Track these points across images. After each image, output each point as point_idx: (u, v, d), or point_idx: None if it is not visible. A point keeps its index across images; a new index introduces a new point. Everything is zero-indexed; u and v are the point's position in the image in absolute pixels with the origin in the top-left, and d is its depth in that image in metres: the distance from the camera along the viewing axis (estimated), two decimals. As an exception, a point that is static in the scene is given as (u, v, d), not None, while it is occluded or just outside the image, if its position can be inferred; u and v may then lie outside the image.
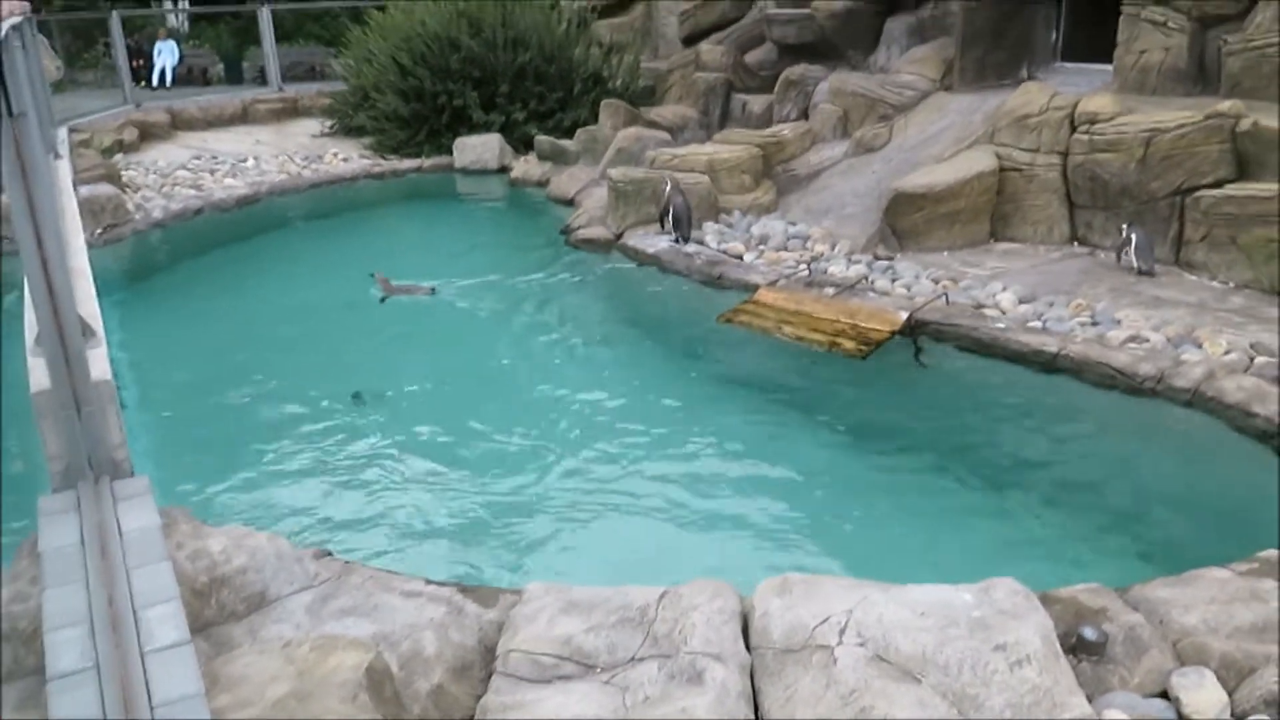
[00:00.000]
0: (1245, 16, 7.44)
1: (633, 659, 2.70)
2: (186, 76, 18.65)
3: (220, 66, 19.62)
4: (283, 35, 19.92)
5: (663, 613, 2.84)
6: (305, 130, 14.47)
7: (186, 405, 5.94)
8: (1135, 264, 6.90)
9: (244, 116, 14.93)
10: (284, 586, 3.07)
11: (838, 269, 7.19)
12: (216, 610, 2.90)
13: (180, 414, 5.83)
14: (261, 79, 17.18)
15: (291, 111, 15.39)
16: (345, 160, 12.72)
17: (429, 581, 3.20)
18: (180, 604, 2.44)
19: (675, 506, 4.66)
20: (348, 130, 13.86)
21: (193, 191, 10.79)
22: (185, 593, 2.67)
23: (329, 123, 14.35)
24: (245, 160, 12.44)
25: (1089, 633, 2.79)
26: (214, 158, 12.53)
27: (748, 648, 2.74)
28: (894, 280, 6.88)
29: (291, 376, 6.33)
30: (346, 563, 3.29)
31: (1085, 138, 7.40)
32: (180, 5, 23.55)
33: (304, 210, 11.12)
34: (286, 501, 4.76)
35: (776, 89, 11.14)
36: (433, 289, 7.79)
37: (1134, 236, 6.92)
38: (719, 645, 2.69)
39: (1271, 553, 3.37)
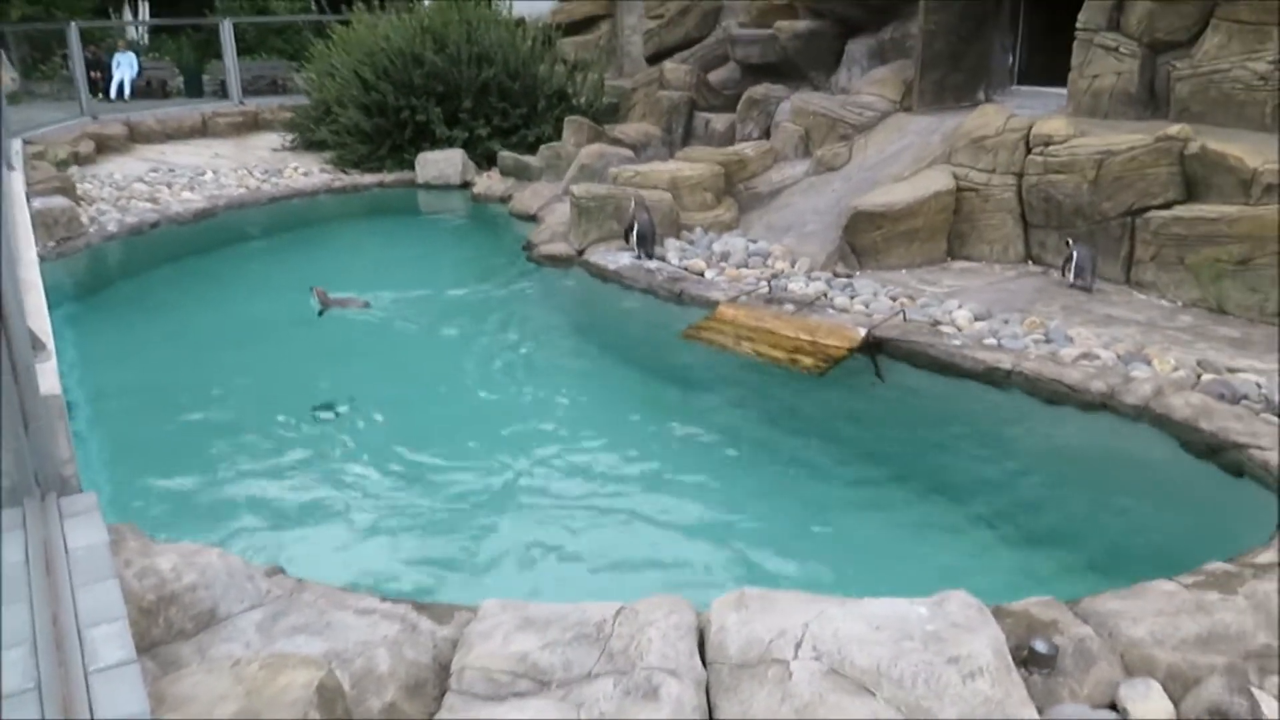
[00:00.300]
0: (1193, 43, 7.64)
1: (588, 675, 2.68)
2: (145, 89, 18.43)
3: (180, 79, 19.43)
4: (244, 49, 19.80)
5: (619, 629, 2.83)
6: (266, 144, 14.35)
7: (139, 420, 5.84)
8: (1074, 280, 7.11)
9: (203, 130, 14.78)
10: (234, 604, 3.02)
11: (798, 286, 7.24)
12: (164, 629, 2.84)
13: (132, 429, 5.73)
14: (222, 92, 17.04)
15: (252, 125, 15.26)
16: (306, 174, 12.62)
17: (383, 598, 3.17)
18: (126, 623, 2.40)
19: (634, 521, 4.65)
20: (309, 144, 13.76)
21: (149, 205, 10.63)
22: (132, 611, 2.62)
23: (290, 136, 14.24)
24: (203, 173, 12.31)
25: (1040, 645, 2.82)
26: (171, 171, 12.38)
27: (704, 663, 2.74)
28: (853, 297, 6.95)
29: (247, 391, 6.26)
30: (299, 580, 3.24)
31: (1040, 159, 7.54)
32: (140, 17, 23.31)
33: (263, 224, 11.00)
34: (240, 518, 4.69)
35: (739, 108, 11.25)
36: (367, 303, 7.80)
37: (1076, 253, 7.13)
38: (675, 661, 2.69)
39: (1217, 565, 3.44)
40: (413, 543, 4.49)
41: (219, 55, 16.84)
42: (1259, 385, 5.12)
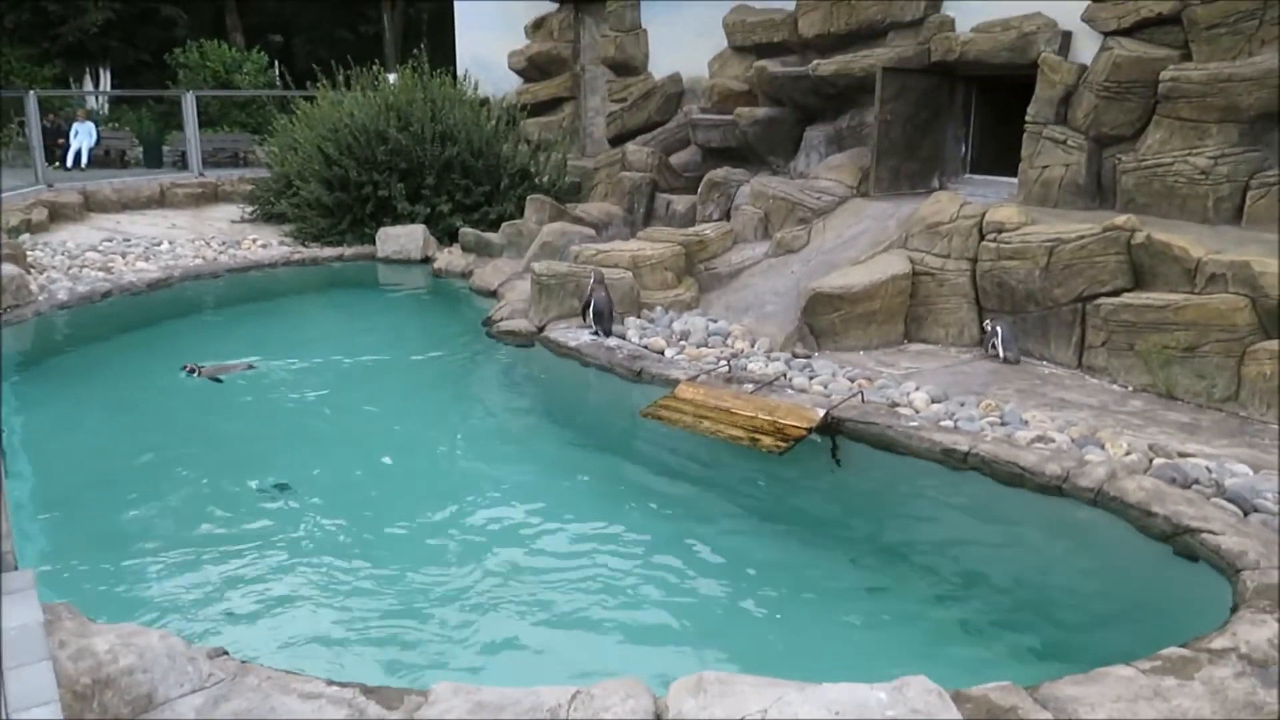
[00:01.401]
0: (1138, 138, 7.98)
1: (543, 763, 2.61)
2: (104, 158, 18.40)
3: (139, 149, 19.43)
4: (206, 121, 19.91)
5: (574, 713, 2.80)
6: (225, 215, 14.33)
7: (82, 495, 5.67)
8: (1002, 354, 7.43)
9: (161, 200, 14.75)
10: (174, 688, 2.91)
11: (757, 366, 7.29)
12: (99, 713, 2.72)
13: (75, 504, 5.56)
14: (182, 163, 17.08)
15: (211, 196, 15.26)
16: (264, 246, 12.58)
17: (330, 682, 3.07)
18: (59, 707, 2.30)
19: (589, 602, 4.58)
20: (269, 217, 13.78)
21: (101, 274, 10.50)
22: (65, 695, 2.52)
23: (249, 208, 14.25)
24: (160, 243, 12.22)
25: None
26: (127, 240, 12.28)
27: (662, 750, 2.68)
28: (811, 378, 7.00)
29: (194, 467, 6.11)
30: (243, 662, 3.13)
31: (993, 245, 7.75)
32: (101, 87, 23.38)
33: (218, 296, 10.91)
34: (184, 598, 4.54)
35: (700, 190, 11.45)
36: (250, 364, 7.98)
37: (999, 329, 7.49)
38: (632, 748, 2.64)
39: (1173, 650, 3.44)
40: (361, 624, 4.36)
41: (180, 126, 16.90)
42: (1209, 469, 5.21)
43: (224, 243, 12.59)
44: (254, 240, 12.79)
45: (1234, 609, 3.83)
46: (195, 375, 7.75)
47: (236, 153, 18.87)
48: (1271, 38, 7.09)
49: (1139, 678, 3.21)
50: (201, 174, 16.02)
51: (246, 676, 3.04)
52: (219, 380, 7.71)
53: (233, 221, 13.99)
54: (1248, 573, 4.02)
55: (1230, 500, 4.81)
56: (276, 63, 23.82)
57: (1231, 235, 7.07)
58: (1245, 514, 4.69)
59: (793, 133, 11.15)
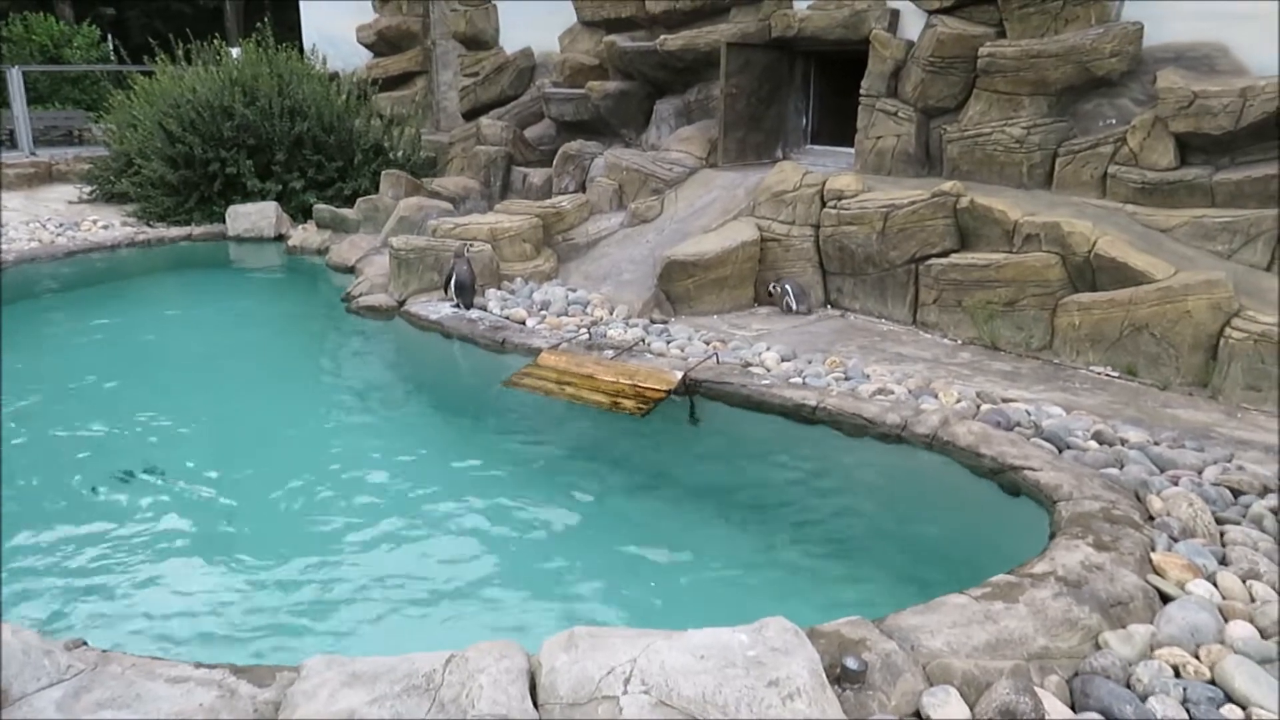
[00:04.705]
0: (960, 110, 8.49)
1: (419, 726, 2.66)
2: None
3: (-39, 128, 17.89)
4: (36, 98, 18.48)
5: (449, 677, 2.80)
6: (61, 196, 13.43)
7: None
8: (795, 308, 8.07)
9: (-10, 181, 13.71)
10: (30, 683, 2.80)
11: (616, 332, 7.45)
12: (-50, 715, 2.63)
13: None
14: (11, 142, 15.87)
15: (45, 177, 14.26)
16: (106, 228, 11.88)
17: (198, 665, 3.00)
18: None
19: (460, 568, 4.63)
20: (109, 197, 13.03)
21: (-79, 260, 9.73)
22: (-88, 697, 2.42)
23: (88, 188, 13.42)
24: (-11, 226, 11.39)
25: (851, 663, 2.94)
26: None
27: (535, 705, 2.74)
28: (669, 342, 7.20)
29: (38, 454, 5.81)
30: (104, 652, 3.04)
31: (834, 212, 8.12)
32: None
33: (58, 280, 10.28)
34: (37, 591, 4.35)
35: (555, 163, 11.49)
36: None
37: (787, 288, 8.11)
38: (506, 706, 2.69)
39: (1000, 577, 3.75)
40: (229, 607, 4.29)
41: (6, 104, 15.70)
42: (1028, 413, 5.68)
43: (61, 224, 11.82)
44: (95, 221, 12.06)
45: (1051, 536, 4.15)
46: None
47: (70, 130, 17.58)
48: (1074, 17, 7.68)
49: (971, 604, 3.44)
50: (33, 153, 14.95)
51: (109, 665, 2.94)
52: None
53: (70, 202, 13.14)
54: (1063, 504, 4.38)
55: (1047, 440, 5.22)
56: (110, 36, 22.28)
57: (1044, 199, 7.64)
58: (1060, 451, 5.11)
59: (643, 106, 11.31)
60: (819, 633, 3.17)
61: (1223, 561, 3.97)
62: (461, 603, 4.39)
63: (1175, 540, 4.12)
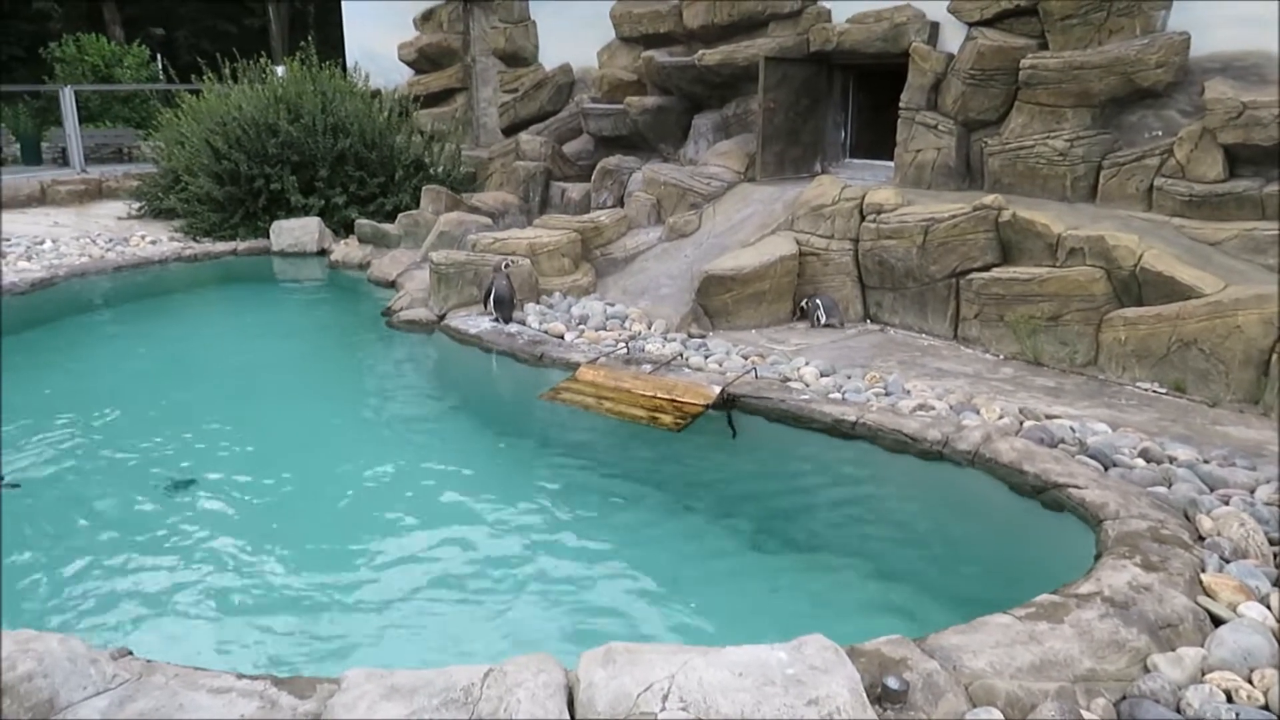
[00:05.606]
0: (1002, 122, 8.42)
1: (457, 739, 2.67)
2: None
3: (16, 147, 18.42)
4: (88, 116, 18.97)
5: (487, 691, 2.81)
6: (111, 212, 13.78)
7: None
8: (825, 320, 8.06)
9: (42, 198, 14.12)
10: (76, 692, 2.85)
11: (655, 347, 7.45)
12: (-1, 722, 2.68)
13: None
14: (63, 160, 16.31)
15: (95, 193, 14.65)
16: (154, 243, 12.15)
17: (240, 676, 3.03)
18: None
19: (499, 582, 4.64)
20: (157, 213, 13.34)
21: (-20, 275, 10.00)
22: (-37, 704, 2.47)
23: (137, 205, 13.75)
24: (42, 242, 11.69)
25: (892, 682, 2.91)
26: (6, 240, 11.67)
27: (573, 720, 2.73)
28: (707, 357, 7.19)
29: (86, 468, 5.93)
30: (148, 661, 3.08)
31: (873, 225, 8.07)
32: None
33: (108, 294, 10.52)
34: (85, 601, 4.43)
35: (593, 178, 11.56)
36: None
37: (819, 302, 8.09)
38: (544, 720, 2.69)
39: (1045, 596, 3.68)
40: (270, 617, 4.34)
41: (59, 122, 16.13)
42: (1073, 429, 5.59)
43: (111, 240, 12.11)
44: (143, 237, 12.33)
45: (1097, 556, 4.06)
46: None
47: (120, 148, 18.08)
48: (1118, 28, 7.59)
49: (1015, 624, 3.38)
50: (84, 170, 15.35)
51: (153, 675, 2.98)
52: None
53: (119, 218, 13.47)
54: (1109, 522, 4.29)
55: (1092, 457, 5.13)
56: (159, 56, 22.84)
57: (1088, 212, 7.55)
58: (1105, 469, 5.02)
59: (681, 121, 11.34)
60: (859, 651, 3.13)
61: (1276, 583, 3.87)
62: (498, 616, 4.40)
63: (1226, 561, 4.02)
